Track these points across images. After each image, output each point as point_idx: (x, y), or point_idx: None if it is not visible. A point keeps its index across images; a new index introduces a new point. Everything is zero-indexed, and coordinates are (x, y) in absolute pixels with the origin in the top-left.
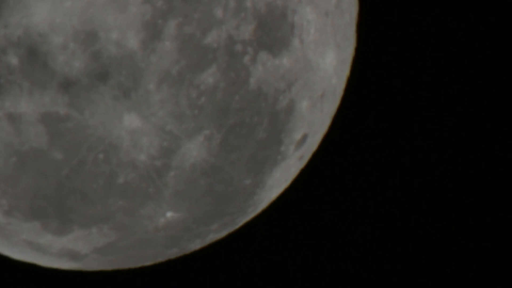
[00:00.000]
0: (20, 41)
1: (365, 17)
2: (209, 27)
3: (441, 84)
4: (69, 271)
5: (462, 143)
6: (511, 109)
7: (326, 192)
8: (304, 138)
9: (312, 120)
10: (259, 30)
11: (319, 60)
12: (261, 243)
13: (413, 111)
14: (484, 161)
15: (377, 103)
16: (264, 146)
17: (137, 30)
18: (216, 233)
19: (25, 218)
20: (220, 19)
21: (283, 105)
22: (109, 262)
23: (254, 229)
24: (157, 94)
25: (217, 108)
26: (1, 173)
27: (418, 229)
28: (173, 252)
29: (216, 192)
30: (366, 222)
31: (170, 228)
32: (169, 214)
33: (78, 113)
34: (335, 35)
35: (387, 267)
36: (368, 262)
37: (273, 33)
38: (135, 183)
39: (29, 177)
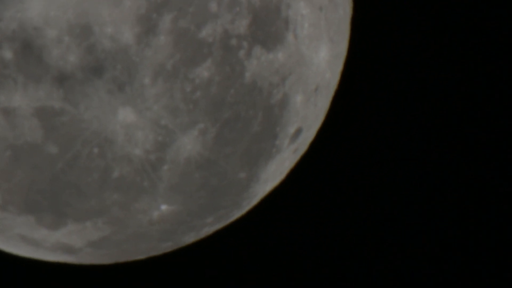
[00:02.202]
0: (15, 34)
1: (359, 11)
2: (204, 21)
3: (435, 79)
4: (63, 265)
5: (454, 137)
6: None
7: (320, 186)
8: (298, 131)
9: (306, 114)
10: (254, 24)
11: (313, 55)
12: (255, 236)
13: (407, 106)
14: (478, 156)
15: (371, 98)
16: (259, 140)
17: (132, 24)
18: (210, 227)
19: (19, 212)
20: (215, 13)
21: (278, 99)
22: (104, 256)
23: (248, 223)
24: (152, 88)
25: (212, 102)
26: None
27: (413, 224)
28: (168, 246)
29: (210, 186)
30: (360, 215)
31: (165, 222)
32: (163, 207)
33: (73, 107)
34: (329, 30)
35: (381, 259)
36: (362, 254)
37: (268, 27)
38: (129, 177)
39: (24, 171)
